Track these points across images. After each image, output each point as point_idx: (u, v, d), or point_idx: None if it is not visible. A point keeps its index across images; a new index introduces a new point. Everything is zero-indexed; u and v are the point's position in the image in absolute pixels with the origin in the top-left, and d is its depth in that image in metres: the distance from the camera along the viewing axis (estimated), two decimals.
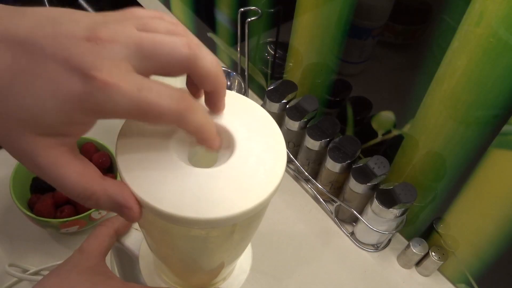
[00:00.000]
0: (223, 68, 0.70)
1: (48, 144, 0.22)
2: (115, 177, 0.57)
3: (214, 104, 0.27)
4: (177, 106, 0.23)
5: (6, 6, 0.23)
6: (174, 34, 0.24)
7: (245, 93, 0.70)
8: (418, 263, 0.60)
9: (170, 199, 0.24)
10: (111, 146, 0.60)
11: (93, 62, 0.21)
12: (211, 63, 0.24)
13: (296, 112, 0.62)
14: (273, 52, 0.71)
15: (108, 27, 0.22)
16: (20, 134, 0.22)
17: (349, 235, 0.63)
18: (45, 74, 0.21)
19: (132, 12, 0.24)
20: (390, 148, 0.59)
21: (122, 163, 0.25)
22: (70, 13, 0.23)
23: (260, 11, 0.63)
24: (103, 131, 0.49)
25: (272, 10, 0.66)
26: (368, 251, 0.62)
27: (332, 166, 0.60)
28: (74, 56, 0.21)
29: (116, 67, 0.21)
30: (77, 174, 0.23)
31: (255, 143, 0.27)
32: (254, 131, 0.27)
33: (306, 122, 0.62)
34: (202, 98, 0.28)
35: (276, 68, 0.72)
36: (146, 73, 0.23)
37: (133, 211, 0.24)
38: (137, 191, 0.24)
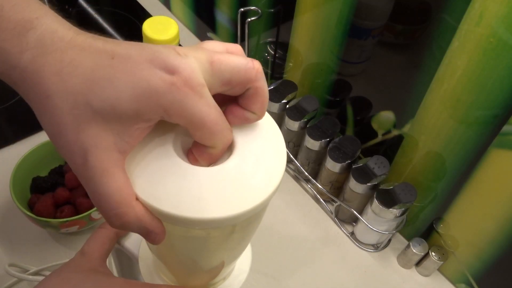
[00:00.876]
0: None
1: (106, 145, 0.23)
2: None
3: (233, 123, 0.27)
4: (225, 130, 0.25)
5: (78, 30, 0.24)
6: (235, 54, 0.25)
7: None
8: (418, 263, 0.60)
9: (169, 198, 0.23)
10: None
11: (177, 63, 0.22)
12: (266, 86, 0.26)
13: (296, 112, 0.62)
14: (273, 52, 0.71)
15: (183, 48, 0.24)
16: (88, 122, 0.22)
17: (349, 235, 0.63)
18: (128, 68, 0.22)
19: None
20: (390, 148, 0.59)
21: None
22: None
23: (260, 11, 0.63)
24: None
25: (272, 10, 0.66)
26: (368, 251, 0.62)
27: (332, 166, 0.60)
28: (160, 57, 0.22)
29: (196, 75, 0.23)
30: (117, 187, 0.23)
31: (255, 143, 0.27)
32: (254, 131, 0.27)
33: (306, 122, 0.62)
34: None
35: (276, 68, 0.72)
36: (212, 90, 0.24)
37: (160, 235, 0.25)
38: (136, 190, 0.24)
